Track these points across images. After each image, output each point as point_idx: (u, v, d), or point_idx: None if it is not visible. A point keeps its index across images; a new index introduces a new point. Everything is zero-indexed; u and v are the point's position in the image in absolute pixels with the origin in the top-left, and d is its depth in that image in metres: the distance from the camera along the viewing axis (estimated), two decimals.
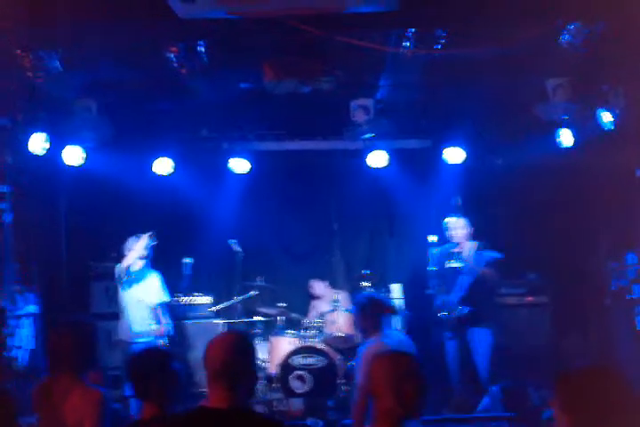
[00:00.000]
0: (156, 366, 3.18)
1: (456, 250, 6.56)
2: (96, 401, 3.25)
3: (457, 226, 6.60)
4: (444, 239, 6.65)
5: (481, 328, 6.40)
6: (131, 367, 3.23)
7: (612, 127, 6.10)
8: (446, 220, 6.68)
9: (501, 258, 6.39)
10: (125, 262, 6.43)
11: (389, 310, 4.78)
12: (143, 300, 6.52)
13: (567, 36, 4.86)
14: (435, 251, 6.67)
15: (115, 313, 6.61)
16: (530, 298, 7.29)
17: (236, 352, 2.72)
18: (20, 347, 5.97)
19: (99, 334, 5.06)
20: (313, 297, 7.68)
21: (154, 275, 6.72)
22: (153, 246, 6.55)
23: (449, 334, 6.51)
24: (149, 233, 6.49)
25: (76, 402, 3.25)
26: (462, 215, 6.65)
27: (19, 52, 4.85)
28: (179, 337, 7.05)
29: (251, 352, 2.80)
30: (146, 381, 3.15)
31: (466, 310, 6.40)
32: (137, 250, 6.46)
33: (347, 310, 7.24)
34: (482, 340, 6.38)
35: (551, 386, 2.41)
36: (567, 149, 6.80)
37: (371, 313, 4.62)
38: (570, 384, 2.35)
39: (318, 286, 7.68)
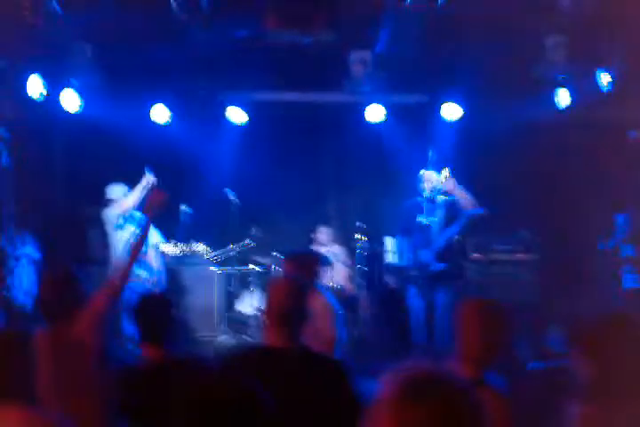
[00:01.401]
0: (161, 311, 3.26)
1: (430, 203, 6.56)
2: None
3: (430, 179, 6.57)
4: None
5: (451, 286, 6.46)
6: (134, 312, 3.33)
7: (610, 88, 6.13)
8: (421, 172, 6.66)
9: (483, 214, 6.38)
10: (118, 209, 6.48)
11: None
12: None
13: None
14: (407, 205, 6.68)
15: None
16: (519, 254, 7.41)
17: (297, 297, 2.97)
18: (19, 287, 6.05)
19: (95, 279, 5.21)
20: (314, 243, 7.70)
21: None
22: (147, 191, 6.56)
23: (414, 290, 6.55)
24: (150, 178, 6.52)
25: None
26: (435, 168, 6.57)
27: None
28: (174, 283, 7.16)
29: (306, 297, 3.03)
30: (151, 325, 3.22)
31: (440, 266, 6.44)
32: (134, 196, 6.51)
33: (340, 262, 7.40)
34: (453, 298, 6.42)
35: (568, 335, 2.47)
36: (564, 108, 6.83)
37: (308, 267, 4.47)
38: (591, 331, 2.40)
39: (326, 233, 7.66)
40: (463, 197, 6.36)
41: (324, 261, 5.03)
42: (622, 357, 2.29)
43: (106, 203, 6.64)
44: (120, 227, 6.57)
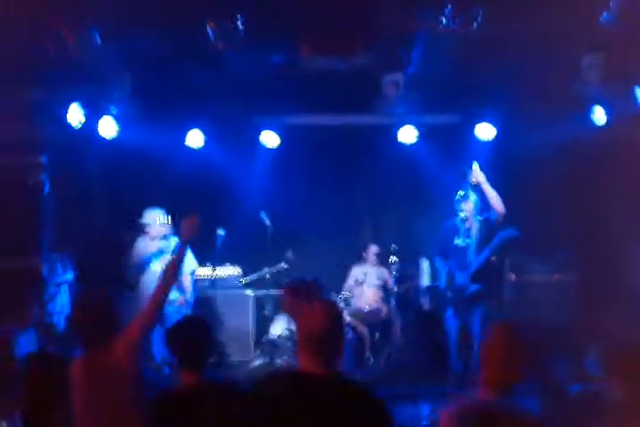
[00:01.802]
0: (197, 335, 3.25)
1: (466, 225, 6.52)
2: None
3: (466, 200, 6.48)
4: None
5: (486, 307, 6.40)
6: (171, 336, 3.32)
7: None
8: (460, 192, 6.62)
9: (517, 236, 6.33)
10: (151, 241, 6.55)
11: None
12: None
13: (607, 14, 4.81)
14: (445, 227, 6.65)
15: None
16: (557, 275, 7.30)
17: (334, 321, 2.88)
18: (59, 313, 6.13)
19: (132, 305, 5.23)
20: (362, 261, 7.67)
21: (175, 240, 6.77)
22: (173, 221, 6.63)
23: (451, 311, 6.47)
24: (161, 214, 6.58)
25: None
26: (473, 189, 6.57)
27: (61, 27, 4.90)
28: (208, 307, 7.18)
29: (342, 322, 2.97)
30: (186, 350, 3.21)
31: (475, 287, 6.40)
32: (155, 230, 6.57)
33: (374, 285, 7.35)
34: (488, 318, 6.38)
35: (604, 361, 2.43)
36: (600, 126, 6.75)
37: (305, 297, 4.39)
38: (626, 356, 2.37)
39: (375, 252, 7.61)
40: (490, 192, 6.32)
41: (323, 288, 4.93)
42: None
43: (141, 227, 6.69)
44: (156, 256, 6.61)
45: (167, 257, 6.53)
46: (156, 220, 6.63)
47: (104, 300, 3.53)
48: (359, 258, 7.64)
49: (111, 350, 3.33)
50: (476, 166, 6.28)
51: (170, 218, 6.61)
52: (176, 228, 6.43)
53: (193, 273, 6.88)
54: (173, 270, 3.70)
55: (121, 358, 3.32)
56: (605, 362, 2.42)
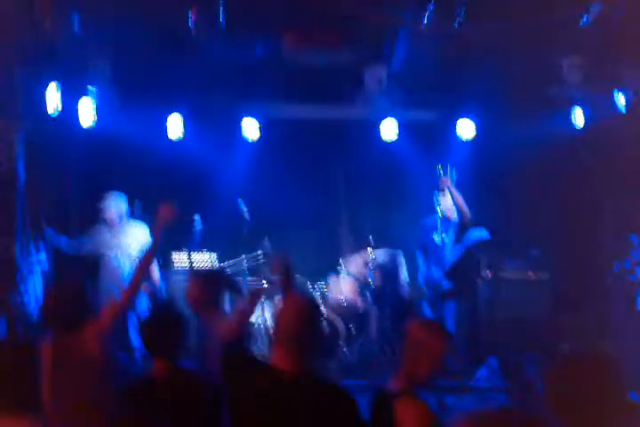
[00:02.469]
0: (167, 324, 3.27)
1: (444, 221, 6.61)
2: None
3: (444, 196, 6.65)
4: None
5: (459, 304, 6.52)
6: (142, 325, 3.34)
7: (626, 109, 6.12)
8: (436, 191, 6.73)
9: (489, 239, 6.47)
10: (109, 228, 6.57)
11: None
12: (130, 252, 6.58)
13: (588, 17, 4.85)
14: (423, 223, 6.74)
15: None
16: (531, 274, 7.38)
17: (308, 320, 2.88)
18: (31, 293, 6.09)
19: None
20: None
21: (137, 226, 6.75)
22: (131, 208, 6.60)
23: (425, 306, 6.69)
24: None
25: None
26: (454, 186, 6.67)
27: (41, 12, 4.85)
28: (183, 293, 7.15)
29: (319, 319, 3.01)
30: (155, 339, 3.24)
31: (448, 284, 6.50)
32: (111, 215, 6.60)
33: (351, 275, 7.39)
34: (461, 314, 6.50)
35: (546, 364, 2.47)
36: (579, 128, 6.82)
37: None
38: (557, 369, 2.41)
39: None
40: (456, 197, 6.49)
41: (231, 280, 4.88)
42: (579, 398, 2.26)
43: (98, 212, 6.64)
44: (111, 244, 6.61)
45: (123, 246, 6.56)
46: (112, 205, 6.60)
47: (76, 287, 3.55)
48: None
49: (81, 337, 3.35)
50: (441, 172, 6.42)
51: (136, 205, 6.61)
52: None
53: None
54: (149, 258, 3.71)
55: (90, 345, 3.34)
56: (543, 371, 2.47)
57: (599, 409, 2.24)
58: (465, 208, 6.45)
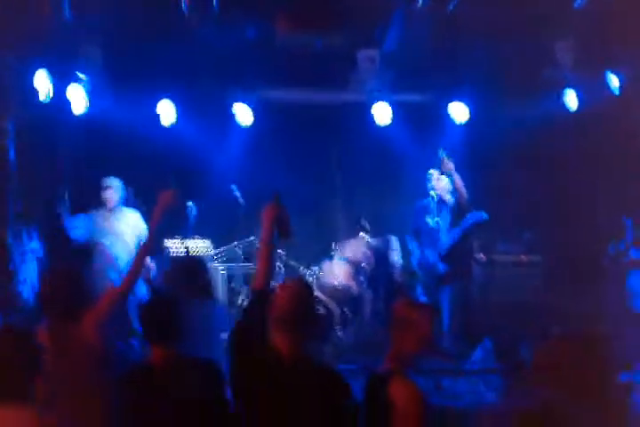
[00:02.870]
0: (163, 312, 3.25)
1: (438, 204, 6.61)
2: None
3: (439, 179, 6.63)
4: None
5: (455, 287, 6.53)
6: (140, 313, 3.33)
7: (619, 91, 6.11)
8: (430, 171, 6.71)
9: (486, 220, 6.46)
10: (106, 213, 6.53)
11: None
12: (125, 239, 6.56)
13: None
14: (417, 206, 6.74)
15: None
16: (524, 256, 7.40)
17: (302, 304, 2.91)
18: (25, 281, 6.08)
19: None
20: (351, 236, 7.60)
21: (132, 213, 6.72)
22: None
23: (420, 289, 6.66)
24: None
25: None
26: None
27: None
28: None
29: (313, 302, 3.02)
30: (152, 326, 3.24)
31: (444, 267, 6.51)
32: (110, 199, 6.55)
33: (344, 260, 7.39)
34: (456, 297, 6.52)
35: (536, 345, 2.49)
36: (573, 110, 6.81)
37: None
38: (546, 347, 2.43)
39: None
40: (458, 181, 6.47)
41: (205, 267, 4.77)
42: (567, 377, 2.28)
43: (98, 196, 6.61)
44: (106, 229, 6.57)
45: (118, 233, 6.53)
46: (114, 190, 6.57)
47: (72, 273, 3.53)
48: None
49: (78, 324, 3.32)
50: (443, 155, 6.39)
51: (128, 191, 6.57)
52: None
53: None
54: (149, 244, 3.70)
55: (88, 332, 3.32)
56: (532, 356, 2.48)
57: (584, 386, 2.26)
58: (464, 191, 6.44)
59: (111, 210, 6.63)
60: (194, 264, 4.58)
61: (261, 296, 3.06)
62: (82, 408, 3.20)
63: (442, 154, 6.43)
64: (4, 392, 2.51)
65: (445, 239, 6.55)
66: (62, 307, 3.37)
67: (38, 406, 2.55)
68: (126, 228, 6.59)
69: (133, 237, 6.52)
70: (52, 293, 3.42)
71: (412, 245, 6.95)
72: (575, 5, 4.87)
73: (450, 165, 6.42)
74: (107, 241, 6.56)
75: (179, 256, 4.73)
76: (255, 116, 7.48)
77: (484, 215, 6.42)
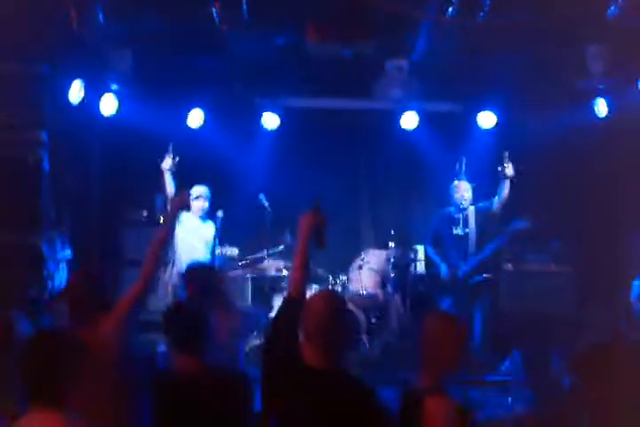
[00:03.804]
0: (191, 320, 3.24)
1: (462, 214, 6.58)
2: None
3: (462, 189, 6.60)
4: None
5: (488, 297, 6.48)
6: (165, 320, 3.30)
7: None
8: (455, 182, 6.68)
9: (529, 227, 6.40)
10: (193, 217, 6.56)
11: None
12: (196, 247, 6.61)
13: (614, 8, 4.79)
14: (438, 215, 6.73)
15: None
16: (553, 266, 7.33)
17: (334, 316, 2.82)
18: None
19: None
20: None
21: (208, 224, 6.76)
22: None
23: (449, 301, 6.58)
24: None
25: None
26: (467, 178, 6.66)
27: (66, 4, 4.88)
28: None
29: (345, 316, 2.92)
30: (182, 334, 3.22)
31: (479, 278, 6.47)
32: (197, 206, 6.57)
33: (371, 269, 7.38)
34: (486, 308, 6.46)
35: (571, 358, 2.47)
36: (603, 118, 6.75)
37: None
38: (585, 359, 2.40)
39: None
40: (507, 187, 6.38)
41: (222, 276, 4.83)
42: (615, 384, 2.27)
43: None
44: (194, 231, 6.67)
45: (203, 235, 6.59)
46: (202, 197, 6.61)
47: (93, 276, 3.51)
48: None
49: (98, 328, 3.29)
50: (507, 160, 6.31)
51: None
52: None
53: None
54: (161, 244, 3.65)
55: (107, 337, 3.28)
56: (571, 364, 2.45)
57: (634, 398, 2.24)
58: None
59: (199, 218, 6.68)
60: (205, 272, 4.57)
61: (294, 305, 2.99)
62: (102, 415, 3.15)
63: (505, 157, 6.30)
64: (46, 397, 2.52)
65: (484, 249, 6.50)
66: (83, 310, 3.36)
67: (69, 413, 2.54)
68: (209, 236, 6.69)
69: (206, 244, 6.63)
70: (74, 296, 3.42)
71: (432, 255, 6.90)
72: (607, 14, 4.81)
73: (510, 170, 6.32)
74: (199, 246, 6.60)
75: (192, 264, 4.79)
76: (283, 124, 7.52)
77: (527, 223, 6.36)
